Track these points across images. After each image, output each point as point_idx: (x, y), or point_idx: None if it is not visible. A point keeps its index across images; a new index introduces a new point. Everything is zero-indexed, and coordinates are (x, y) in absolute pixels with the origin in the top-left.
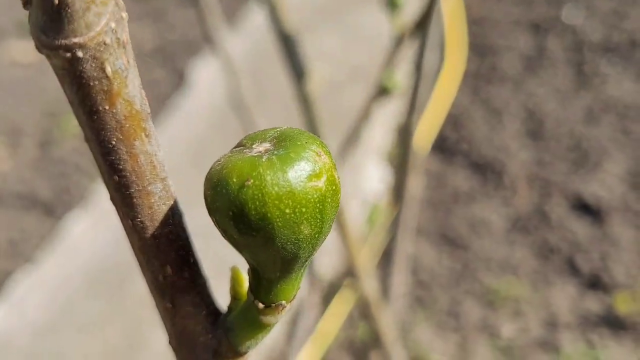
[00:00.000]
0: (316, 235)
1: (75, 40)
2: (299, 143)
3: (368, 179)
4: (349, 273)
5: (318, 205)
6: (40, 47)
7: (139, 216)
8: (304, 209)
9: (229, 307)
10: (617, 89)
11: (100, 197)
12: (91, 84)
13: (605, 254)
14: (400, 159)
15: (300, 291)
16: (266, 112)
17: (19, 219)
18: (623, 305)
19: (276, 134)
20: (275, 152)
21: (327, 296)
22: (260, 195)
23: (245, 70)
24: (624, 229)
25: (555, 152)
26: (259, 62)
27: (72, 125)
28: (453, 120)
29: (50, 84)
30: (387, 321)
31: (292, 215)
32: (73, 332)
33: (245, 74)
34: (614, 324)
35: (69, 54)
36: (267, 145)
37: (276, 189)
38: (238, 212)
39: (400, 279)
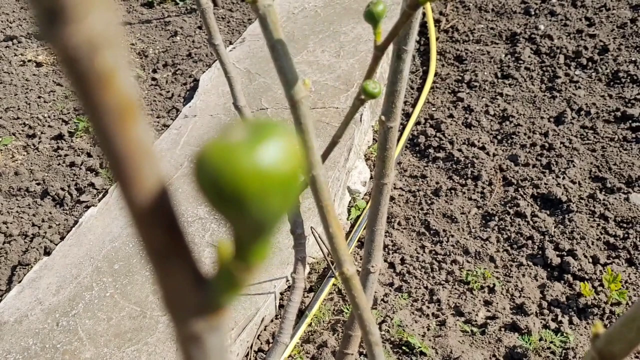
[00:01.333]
0: (282, 206)
1: (70, 34)
2: (268, 128)
3: (351, 177)
4: (335, 260)
5: (283, 181)
6: (44, 42)
7: (133, 191)
8: (270, 184)
9: (214, 272)
10: (584, 95)
11: (112, 193)
12: (86, 77)
13: (572, 246)
14: (380, 157)
15: (289, 274)
16: (263, 114)
17: (33, 211)
18: (588, 293)
19: (253, 123)
20: (249, 136)
21: (318, 282)
22: (234, 170)
23: (244, 75)
24: (587, 223)
25: (528, 153)
26: (257, 67)
27: (84, 123)
28: (434, 122)
29: (63, 85)
30: (366, 303)
31: (261, 188)
32: (84, 313)
33: (244, 79)
34: (578, 309)
35: (65, 50)
36: (243, 131)
37: (246, 166)
38: (216, 185)
39: (379, 266)
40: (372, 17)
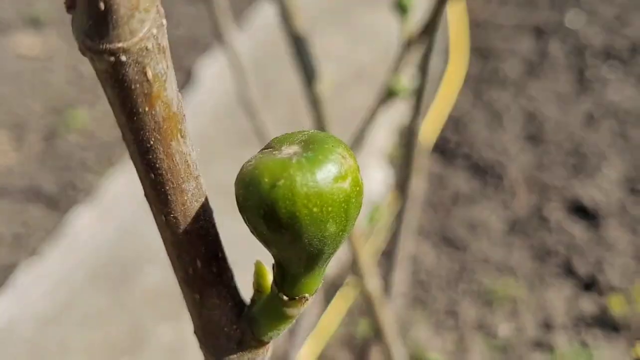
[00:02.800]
0: (340, 233)
1: (120, 45)
2: (326, 146)
3: (371, 180)
4: (351, 270)
5: (343, 204)
6: (85, 50)
7: (173, 212)
8: (330, 208)
9: (252, 300)
10: (617, 95)
11: (105, 192)
12: (132, 87)
13: (601, 257)
14: (404, 160)
15: None
16: (272, 109)
17: (24, 213)
18: (617, 307)
19: (304, 137)
20: (304, 154)
21: (329, 293)
22: (290, 194)
23: (252, 67)
24: (619, 232)
25: (555, 156)
26: (266, 59)
27: (77, 120)
28: (455, 122)
29: (56, 78)
30: (388, 318)
31: (320, 213)
32: (75, 325)
33: (252, 71)
34: (607, 325)
35: (112, 58)
36: (295, 147)
37: (305, 189)
38: (269, 211)
39: (401, 277)
40: (401, 8)
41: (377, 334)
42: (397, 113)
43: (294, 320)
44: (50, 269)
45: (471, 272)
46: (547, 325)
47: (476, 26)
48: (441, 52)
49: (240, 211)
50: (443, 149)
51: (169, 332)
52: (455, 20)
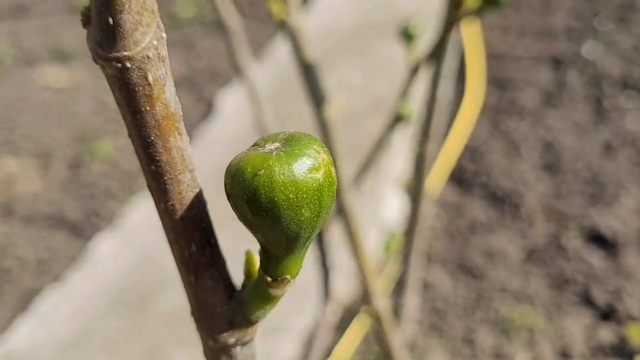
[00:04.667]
0: (315, 218)
1: (125, 53)
2: (302, 142)
3: (386, 208)
4: (365, 297)
5: (316, 192)
6: (97, 58)
7: (170, 200)
8: (304, 195)
9: (243, 284)
10: (635, 124)
11: (126, 220)
12: (136, 89)
13: (620, 286)
14: (414, 186)
15: (315, 313)
16: None
17: (48, 239)
18: (637, 336)
19: (285, 136)
20: (283, 149)
21: (344, 320)
22: (269, 182)
23: (269, 99)
24: (638, 261)
25: (572, 185)
26: (283, 91)
27: (101, 150)
28: (472, 152)
29: (81, 109)
30: (400, 344)
31: (295, 200)
32: (96, 349)
33: (269, 103)
34: (626, 355)
35: (119, 65)
36: (277, 144)
37: (282, 177)
38: (251, 197)
39: (412, 302)
40: (407, 36)
41: (387, 356)
42: (413, 142)
43: (278, 301)
44: (72, 295)
45: (488, 300)
46: (565, 355)
47: (494, 57)
48: (453, 80)
49: (228, 198)
50: (460, 178)
51: (185, 357)
52: (472, 51)
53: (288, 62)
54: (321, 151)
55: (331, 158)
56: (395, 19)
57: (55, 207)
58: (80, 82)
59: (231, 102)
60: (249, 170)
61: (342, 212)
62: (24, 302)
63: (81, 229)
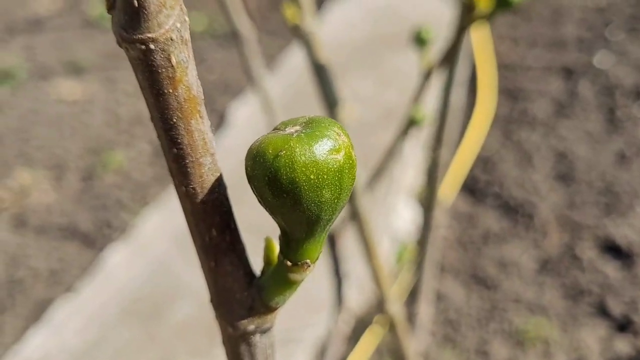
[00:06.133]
0: (335, 200)
1: (149, 35)
2: (323, 125)
3: (399, 218)
4: (379, 308)
5: (337, 174)
6: (121, 41)
7: (192, 183)
8: (325, 176)
9: (262, 271)
10: None
11: (138, 231)
12: (159, 71)
13: (636, 297)
14: (427, 195)
15: (328, 324)
16: None
17: (61, 249)
18: None
19: (305, 120)
20: (304, 131)
21: (356, 331)
22: (290, 163)
23: (282, 109)
24: None
25: (586, 195)
26: (295, 101)
27: (113, 161)
28: (484, 162)
29: (94, 121)
30: (414, 352)
31: (316, 180)
32: (108, 359)
33: (282, 112)
34: None
35: (143, 47)
36: (297, 127)
37: (303, 158)
38: (272, 177)
39: (426, 312)
40: (420, 40)
41: None
42: (425, 152)
43: (298, 287)
44: (84, 305)
45: (502, 312)
46: None
47: (505, 68)
48: (465, 88)
49: (249, 180)
50: (473, 188)
51: None
52: (483, 61)
53: (300, 72)
54: (341, 133)
55: (351, 141)
56: (404, 31)
57: (68, 218)
58: (93, 94)
59: (243, 113)
60: (271, 151)
61: (355, 216)
62: (37, 312)
63: (93, 240)
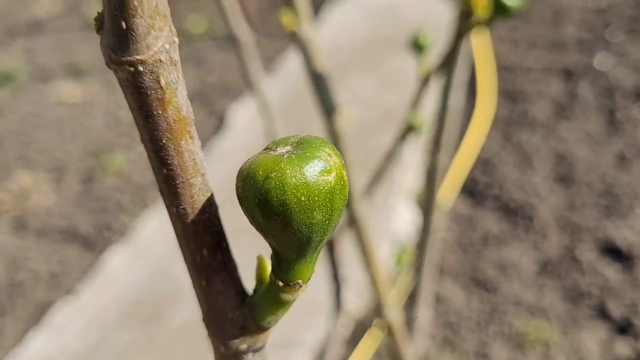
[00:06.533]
0: (326, 221)
1: (138, 57)
2: (314, 145)
3: (398, 220)
4: (377, 311)
5: (328, 195)
6: (110, 62)
7: (182, 204)
8: (316, 198)
9: (254, 290)
10: None
11: (138, 233)
12: (148, 92)
13: (636, 300)
14: (426, 198)
15: (327, 327)
16: None
17: (61, 252)
18: None
19: (296, 139)
20: (294, 152)
21: (355, 334)
22: (281, 185)
23: (280, 112)
24: None
25: (586, 197)
26: (294, 104)
27: (113, 164)
28: (484, 164)
29: (94, 123)
30: (412, 356)
31: (307, 202)
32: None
33: (280, 115)
34: None
35: (132, 68)
36: (288, 147)
37: (294, 180)
38: (263, 199)
39: (425, 315)
40: (417, 46)
41: None
42: (425, 154)
43: (290, 307)
44: (84, 308)
45: (502, 314)
46: None
47: (504, 70)
48: (464, 91)
49: (240, 202)
50: (472, 190)
51: None
52: (483, 63)
53: (298, 75)
54: (332, 154)
55: (343, 161)
56: (404, 32)
57: (68, 221)
58: (93, 97)
59: (242, 115)
60: (261, 173)
61: (353, 222)
62: (37, 315)
63: (93, 243)
